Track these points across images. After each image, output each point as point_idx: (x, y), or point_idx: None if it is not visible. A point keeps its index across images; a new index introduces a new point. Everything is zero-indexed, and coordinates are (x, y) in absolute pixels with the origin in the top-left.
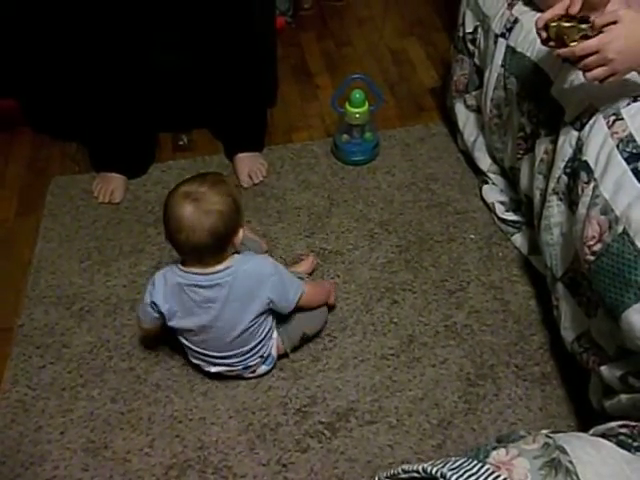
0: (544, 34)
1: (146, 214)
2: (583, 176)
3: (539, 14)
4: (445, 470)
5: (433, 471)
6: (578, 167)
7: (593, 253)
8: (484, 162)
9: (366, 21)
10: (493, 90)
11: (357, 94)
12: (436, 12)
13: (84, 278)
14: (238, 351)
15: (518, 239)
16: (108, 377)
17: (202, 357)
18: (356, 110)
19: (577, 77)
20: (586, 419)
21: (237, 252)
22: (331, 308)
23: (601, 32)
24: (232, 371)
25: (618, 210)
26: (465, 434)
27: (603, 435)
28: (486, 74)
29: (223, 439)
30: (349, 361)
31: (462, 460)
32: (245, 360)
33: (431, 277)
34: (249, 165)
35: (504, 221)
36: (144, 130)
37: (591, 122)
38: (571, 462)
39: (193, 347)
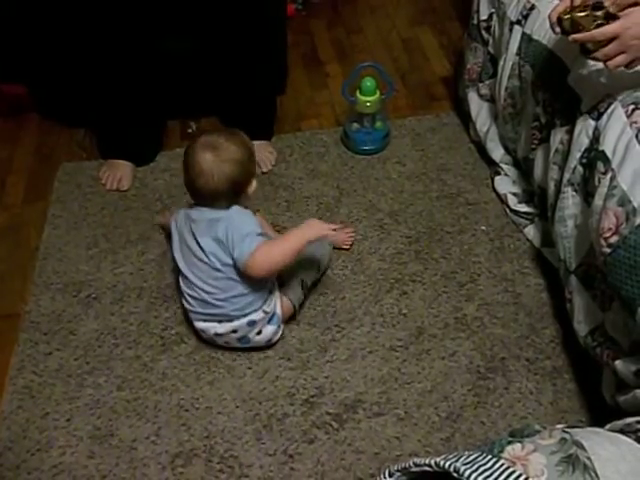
0: (558, 29)
1: (154, 202)
2: (600, 166)
3: (555, 1)
4: (458, 465)
5: (446, 465)
6: (595, 157)
7: (609, 245)
8: (497, 152)
9: (378, 9)
10: (507, 79)
11: (368, 82)
12: (449, 0)
13: (91, 265)
14: (233, 294)
15: (530, 231)
16: (114, 365)
17: (202, 310)
18: (367, 98)
19: (595, 65)
20: (598, 414)
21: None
22: (343, 249)
23: (617, 17)
24: (237, 330)
25: (636, 201)
26: (474, 427)
27: (621, 431)
28: (500, 62)
29: (229, 428)
30: (357, 352)
31: (476, 454)
32: (247, 312)
33: (441, 269)
34: (258, 154)
35: (516, 213)
36: (152, 117)
37: (609, 111)
38: (589, 458)
39: (192, 294)
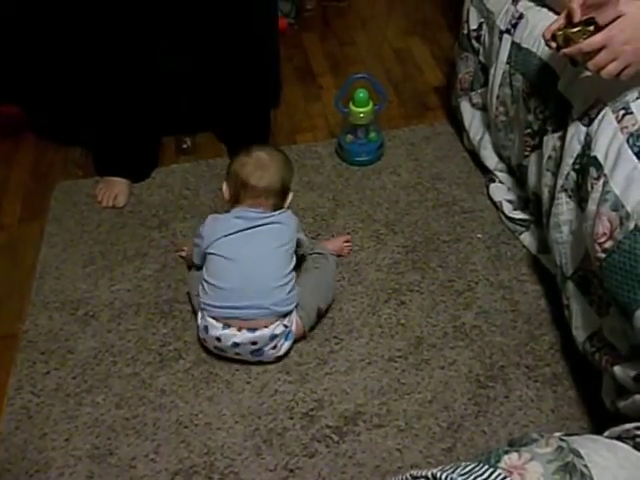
0: (553, 44)
1: (150, 218)
2: (592, 172)
3: (544, 10)
4: (455, 476)
5: (442, 477)
6: (587, 163)
7: (604, 250)
8: (491, 160)
9: (369, 21)
10: (499, 87)
11: (361, 93)
12: (440, 11)
13: (88, 283)
14: (265, 294)
15: (526, 238)
16: (113, 383)
17: (235, 304)
18: (360, 110)
19: (585, 71)
20: (599, 420)
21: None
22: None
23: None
24: (257, 341)
25: (629, 206)
26: (475, 437)
27: (619, 437)
28: (491, 71)
29: (229, 444)
30: (356, 364)
31: (473, 465)
32: (277, 310)
33: (438, 277)
34: None
35: (512, 220)
36: (147, 134)
37: (600, 117)
38: (586, 466)
39: (231, 286)
